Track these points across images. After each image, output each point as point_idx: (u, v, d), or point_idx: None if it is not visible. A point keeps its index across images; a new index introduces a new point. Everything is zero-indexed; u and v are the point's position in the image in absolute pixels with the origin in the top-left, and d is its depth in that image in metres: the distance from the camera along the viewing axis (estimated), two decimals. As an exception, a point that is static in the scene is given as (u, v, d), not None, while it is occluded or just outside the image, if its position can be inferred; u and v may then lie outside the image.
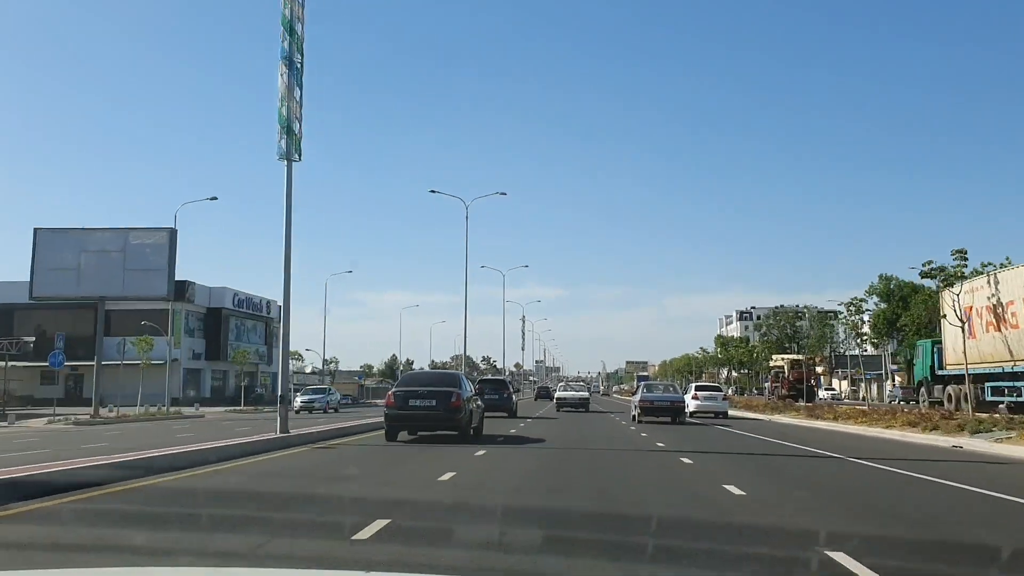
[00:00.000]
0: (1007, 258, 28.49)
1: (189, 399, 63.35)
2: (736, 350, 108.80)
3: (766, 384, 68.48)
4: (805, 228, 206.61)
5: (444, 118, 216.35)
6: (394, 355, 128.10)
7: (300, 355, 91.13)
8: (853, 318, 45.24)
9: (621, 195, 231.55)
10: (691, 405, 34.00)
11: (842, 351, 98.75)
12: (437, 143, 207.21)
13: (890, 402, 73.45)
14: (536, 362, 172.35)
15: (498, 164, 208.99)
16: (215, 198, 46.72)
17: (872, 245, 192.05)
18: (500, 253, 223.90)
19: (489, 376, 50.44)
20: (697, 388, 37.33)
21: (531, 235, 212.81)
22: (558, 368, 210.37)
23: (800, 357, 59.43)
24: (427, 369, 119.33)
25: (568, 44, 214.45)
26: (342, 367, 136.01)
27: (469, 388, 19.74)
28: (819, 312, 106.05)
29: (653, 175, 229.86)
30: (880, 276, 79.73)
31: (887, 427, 24.01)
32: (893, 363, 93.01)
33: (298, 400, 44.63)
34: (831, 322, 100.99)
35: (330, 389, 50.92)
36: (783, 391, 53.52)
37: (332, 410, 46.44)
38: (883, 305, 79.17)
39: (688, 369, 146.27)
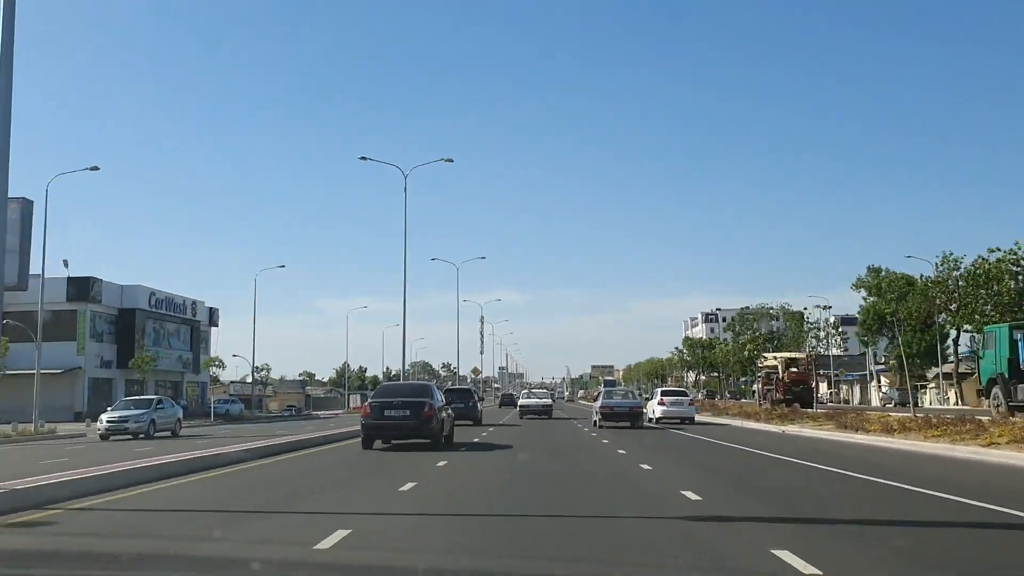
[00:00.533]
0: None
1: (97, 412, 55.03)
2: (722, 350, 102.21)
3: (755, 387, 61.31)
4: (776, 230, 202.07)
5: (408, 121, 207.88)
6: (345, 362, 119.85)
7: (221, 361, 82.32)
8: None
9: (584, 199, 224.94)
10: (657, 411, 33.87)
11: (820, 351, 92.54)
12: (381, 137, 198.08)
13: (884, 405, 67.26)
14: (499, 368, 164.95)
15: (458, 164, 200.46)
16: (96, 168, 37.95)
17: (839, 246, 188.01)
18: (459, 256, 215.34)
19: (452, 386, 48.70)
20: (663, 393, 36.52)
21: (492, 240, 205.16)
22: (522, 374, 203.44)
23: (800, 355, 52.11)
24: (381, 377, 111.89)
25: (535, 46, 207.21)
26: (287, 376, 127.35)
27: (440, 398, 20.61)
28: (785, 311, 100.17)
29: (616, 178, 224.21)
30: (869, 268, 73.80)
31: (986, 444, 16.60)
32: (876, 363, 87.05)
33: (103, 419, 30.74)
34: (811, 322, 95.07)
35: (162, 401, 34.82)
36: (778, 395, 46.18)
37: (167, 432, 32.27)
38: (871, 299, 73.38)
39: (655, 373, 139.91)
